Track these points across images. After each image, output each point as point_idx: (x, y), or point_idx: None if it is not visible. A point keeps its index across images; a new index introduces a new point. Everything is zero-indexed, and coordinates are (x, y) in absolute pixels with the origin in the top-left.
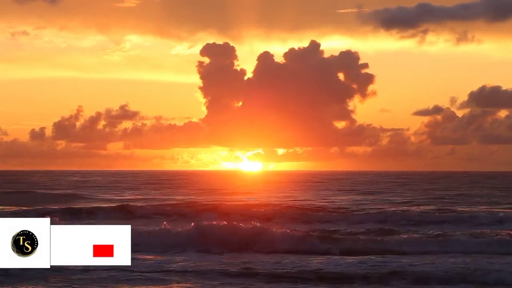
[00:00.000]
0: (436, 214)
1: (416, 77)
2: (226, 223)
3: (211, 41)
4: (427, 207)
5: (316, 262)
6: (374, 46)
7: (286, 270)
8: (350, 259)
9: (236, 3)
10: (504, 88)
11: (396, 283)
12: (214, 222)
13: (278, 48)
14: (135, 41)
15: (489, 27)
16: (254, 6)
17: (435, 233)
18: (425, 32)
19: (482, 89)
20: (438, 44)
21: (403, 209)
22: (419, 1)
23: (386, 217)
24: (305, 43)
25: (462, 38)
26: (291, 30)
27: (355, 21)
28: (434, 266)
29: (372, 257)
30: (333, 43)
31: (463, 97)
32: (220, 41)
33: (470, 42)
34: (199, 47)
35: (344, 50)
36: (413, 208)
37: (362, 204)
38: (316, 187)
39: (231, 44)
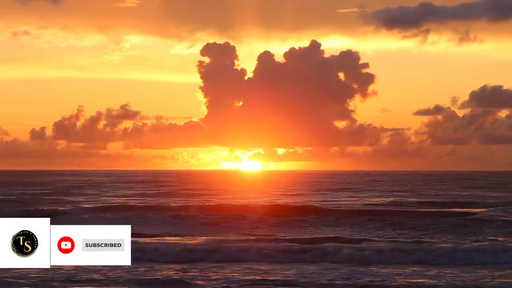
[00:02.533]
0: None
1: (417, 77)
2: None
3: (210, 41)
4: None
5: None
6: (375, 46)
7: None
8: None
9: (236, 3)
10: (505, 87)
11: None
12: None
13: (278, 48)
14: (135, 41)
15: (491, 27)
16: (253, 5)
17: None
18: (427, 31)
19: (483, 88)
20: (439, 43)
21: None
22: (421, 1)
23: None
24: (305, 43)
25: (464, 38)
26: (291, 29)
27: (356, 20)
28: None
29: None
30: (333, 43)
31: (464, 96)
32: (219, 41)
33: (472, 42)
34: (198, 47)
35: (344, 50)
36: None
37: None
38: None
39: (231, 44)
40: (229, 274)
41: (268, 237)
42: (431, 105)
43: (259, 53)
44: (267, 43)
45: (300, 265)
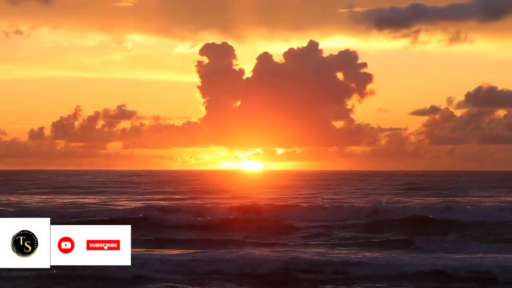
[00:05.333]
0: None
1: (413, 77)
2: None
3: (213, 41)
4: None
5: None
6: (374, 46)
7: None
8: None
9: (239, 3)
10: (498, 87)
11: None
12: None
13: (281, 48)
14: (138, 40)
15: (481, 27)
16: (256, 5)
17: None
18: (417, 32)
19: (479, 89)
20: (430, 44)
21: None
22: (412, 1)
23: None
24: (307, 43)
25: (455, 38)
26: (294, 29)
27: (355, 21)
28: None
29: None
30: (333, 43)
31: (459, 97)
32: (222, 40)
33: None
34: (201, 46)
35: (343, 49)
36: None
37: None
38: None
39: (234, 43)
40: None
41: None
42: (427, 105)
43: (261, 53)
44: (269, 42)
45: None
